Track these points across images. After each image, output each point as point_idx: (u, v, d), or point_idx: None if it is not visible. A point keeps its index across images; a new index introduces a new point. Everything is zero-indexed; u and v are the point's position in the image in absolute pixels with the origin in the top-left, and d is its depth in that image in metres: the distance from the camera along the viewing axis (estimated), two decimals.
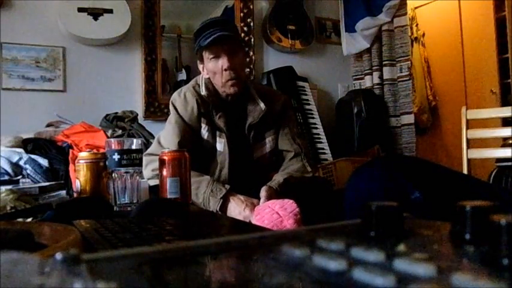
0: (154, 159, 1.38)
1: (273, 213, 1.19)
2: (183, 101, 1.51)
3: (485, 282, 0.14)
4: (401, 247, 0.20)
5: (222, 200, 1.33)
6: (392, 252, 0.18)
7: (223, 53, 1.45)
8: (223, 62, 1.45)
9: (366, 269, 0.16)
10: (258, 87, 1.65)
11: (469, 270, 0.15)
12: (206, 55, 1.48)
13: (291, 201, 1.22)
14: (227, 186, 1.37)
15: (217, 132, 1.51)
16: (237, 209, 1.32)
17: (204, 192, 1.34)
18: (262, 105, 1.53)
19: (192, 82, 1.59)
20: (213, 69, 1.47)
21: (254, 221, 1.23)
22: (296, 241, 0.20)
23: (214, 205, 1.32)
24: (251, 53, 3.00)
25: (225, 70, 1.45)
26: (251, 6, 3.04)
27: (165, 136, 1.50)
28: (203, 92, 1.51)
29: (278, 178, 1.46)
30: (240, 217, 1.29)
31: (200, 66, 1.56)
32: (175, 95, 1.55)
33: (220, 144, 1.51)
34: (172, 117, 1.51)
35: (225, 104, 1.53)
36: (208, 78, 1.54)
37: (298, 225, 1.15)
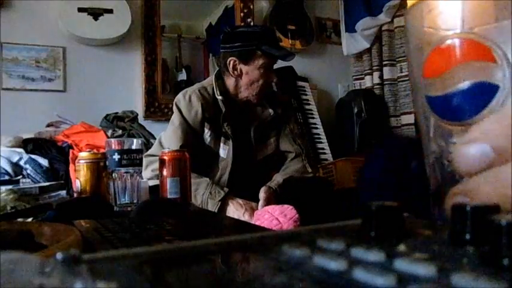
0: (154, 160, 1.38)
1: (272, 219, 1.19)
2: (187, 103, 1.49)
3: (485, 282, 0.14)
4: (401, 247, 0.20)
5: (220, 203, 1.33)
6: (392, 252, 0.18)
7: (273, 68, 1.51)
8: (273, 76, 1.51)
9: (366, 269, 0.16)
10: None
11: (469, 270, 0.15)
12: (259, 62, 1.47)
13: (291, 207, 1.22)
14: (226, 189, 1.37)
15: (222, 139, 1.50)
16: (236, 213, 1.32)
17: (202, 194, 1.34)
18: (270, 110, 1.54)
19: (197, 85, 1.57)
20: (257, 77, 1.48)
21: None
22: (296, 241, 0.20)
23: (212, 207, 1.32)
24: None
25: (272, 82, 1.52)
26: (251, 6, 3.03)
27: (167, 138, 1.49)
28: (219, 96, 1.49)
29: (278, 179, 1.46)
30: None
31: (233, 65, 1.49)
32: (179, 96, 1.53)
33: (224, 151, 1.50)
34: (175, 118, 1.50)
35: (235, 109, 1.52)
36: (222, 81, 1.53)
37: None
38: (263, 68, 1.46)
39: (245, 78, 1.49)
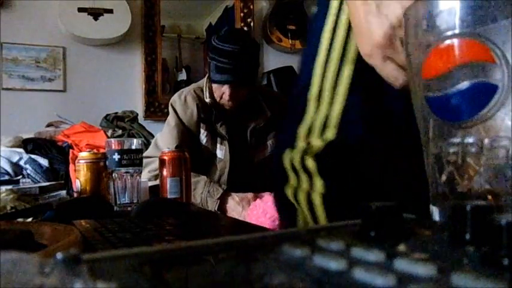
0: (150, 162, 1.38)
1: (258, 217, 1.19)
2: (183, 104, 1.49)
3: (485, 282, 0.14)
4: (401, 247, 0.20)
5: (219, 201, 1.33)
6: (392, 252, 0.18)
7: (227, 84, 1.42)
8: (225, 91, 1.42)
9: (366, 269, 0.16)
10: (263, 91, 1.63)
11: (469, 270, 0.15)
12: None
13: (270, 200, 1.20)
14: (224, 187, 1.37)
15: (218, 139, 1.49)
16: (235, 211, 1.32)
17: (201, 193, 1.34)
18: (268, 113, 1.53)
19: (193, 85, 1.57)
20: (215, 88, 1.45)
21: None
22: (296, 241, 0.20)
23: (212, 206, 1.32)
24: None
25: (224, 98, 1.44)
26: (251, 6, 3.04)
27: (163, 139, 1.48)
28: (207, 99, 1.49)
29: None
30: (241, 218, 1.29)
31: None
32: (175, 97, 1.53)
33: (221, 151, 1.49)
34: (171, 119, 1.49)
35: (228, 111, 1.52)
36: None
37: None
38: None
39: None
